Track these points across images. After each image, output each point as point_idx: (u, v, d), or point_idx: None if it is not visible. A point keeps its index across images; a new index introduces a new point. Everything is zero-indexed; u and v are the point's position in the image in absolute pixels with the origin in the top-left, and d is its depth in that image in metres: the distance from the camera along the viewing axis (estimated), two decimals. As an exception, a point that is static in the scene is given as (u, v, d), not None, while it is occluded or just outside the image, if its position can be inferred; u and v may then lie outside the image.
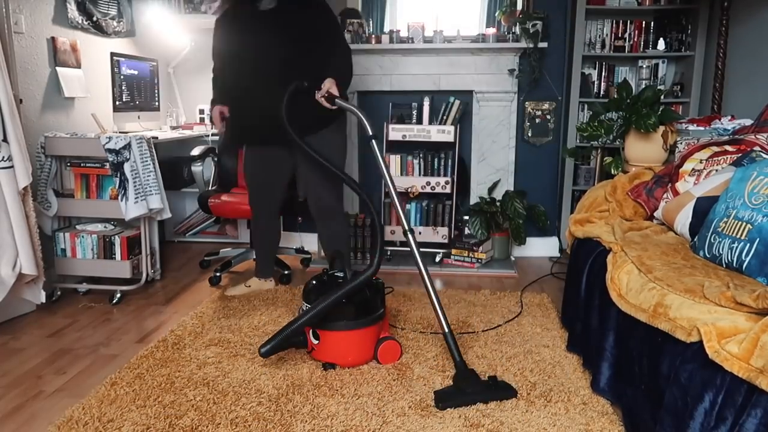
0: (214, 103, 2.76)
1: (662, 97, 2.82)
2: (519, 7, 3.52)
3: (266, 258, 3.00)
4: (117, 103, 3.38)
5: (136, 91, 3.55)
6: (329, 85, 2.38)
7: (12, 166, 2.37)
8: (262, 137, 2.62)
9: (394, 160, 3.52)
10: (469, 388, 1.91)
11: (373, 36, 3.55)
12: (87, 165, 2.85)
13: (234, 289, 2.93)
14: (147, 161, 2.84)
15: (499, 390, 1.92)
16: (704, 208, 1.97)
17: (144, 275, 2.95)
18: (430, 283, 2.15)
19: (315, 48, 2.47)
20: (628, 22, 3.57)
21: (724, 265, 1.72)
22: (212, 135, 3.70)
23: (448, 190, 3.49)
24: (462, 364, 1.99)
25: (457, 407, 1.83)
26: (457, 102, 3.50)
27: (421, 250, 3.54)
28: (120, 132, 3.24)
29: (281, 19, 2.43)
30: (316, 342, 2.11)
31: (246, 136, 2.70)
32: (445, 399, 1.87)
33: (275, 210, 2.86)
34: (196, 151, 3.32)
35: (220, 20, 2.64)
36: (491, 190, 3.63)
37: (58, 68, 3.02)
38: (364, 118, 2.26)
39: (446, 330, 2.05)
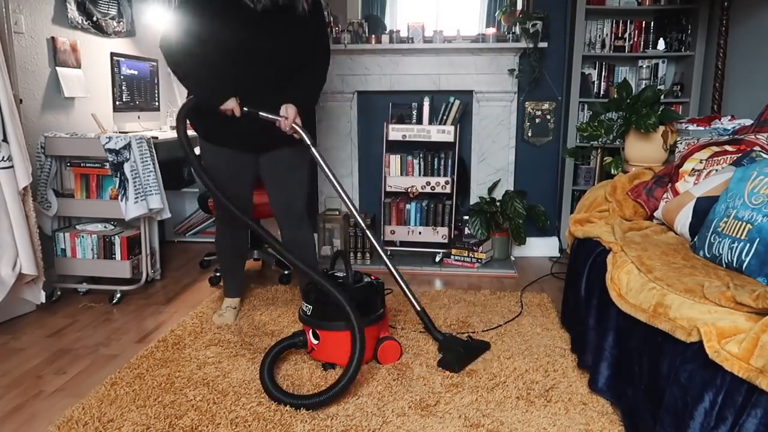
0: (223, 97, 2.20)
1: (662, 97, 2.82)
2: (519, 7, 3.52)
3: (237, 274, 2.71)
4: (117, 103, 3.38)
5: (136, 91, 3.55)
6: (294, 117, 2.27)
7: (12, 166, 2.37)
8: (255, 144, 2.37)
9: (394, 160, 3.52)
10: (461, 348, 2.21)
11: (373, 36, 3.55)
12: (87, 165, 2.85)
13: (223, 318, 2.58)
14: (147, 161, 2.84)
15: (479, 345, 2.29)
16: (704, 208, 1.97)
17: (144, 275, 2.95)
18: (389, 260, 2.45)
19: (309, 54, 2.33)
20: (628, 22, 3.57)
21: (724, 265, 1.72)
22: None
23: (448, 190, 3.49)
24: (440, 334, 2.30)
25: (469, 364, 2.15)
26: (457, 102, 3.50)
27: (421, 250, 3.61)
28: (120, 132, 3.24)
29: (289, 19, 2.22)
30: (315, 342, 2.11)
31: (233, 139, 2.35)
32: (454, 364, 2.12)
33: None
34: (196, 151, 3.31)
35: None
36: (491, 190, 3.63)
37: (58, 68, 3.02)
38: (306, 137, 2.31)
39: (419, 309, 2.36)
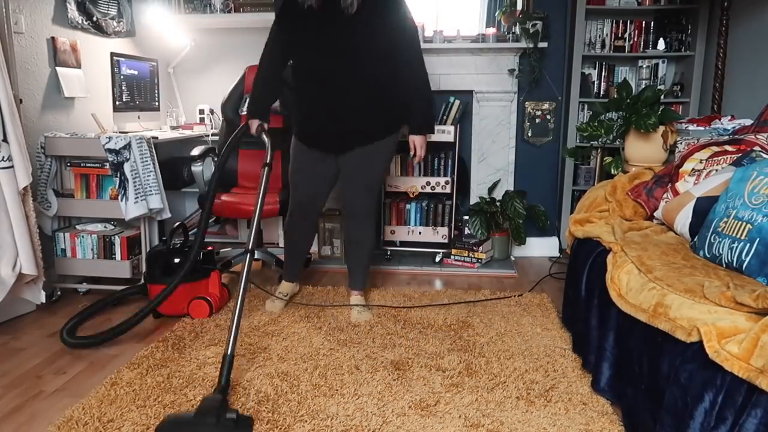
0: (252, 115, 2.56)
1: (662, 97, 2.82)
2: (519, 7, 3.52)
3: (298, 260, 2.86)
4: (117, 103, 3.38)
5: (136, 91, 3.55)
6: (420, 151, 2.52)
7: (12, 166, 2.37)
8: (335, 145, 2.50)
9: (394, 160, 3.52)
10: (202, 421, 1.66)
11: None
12: (87, 165, 2.85)
13: (273, 305, 2.72)
14: (147, 161, 2.84)
15: (233, 429, 1.67)
16: (704, 208, 1.97)
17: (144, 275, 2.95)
18: (241, 299, 2.11)
19: (394, 58, 2.38)
20: (628, 22, 3.57)
21: (724, 265, 1.72)
22: (212, 135, 3.70)
23: (448, 190, 3.49)
24: (222, 392, 1.81)
25: None
26: (457, 102, 3.50)
27: (421, 250, 3.61)
28: (120, 132, 3.24)
29: (365, 23, 2.28)
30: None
31: (313, 138, 2.52)
32: (165, 426, 1.68)
33: (317, 213, 2.74)
34: (196, 151, 3.32)
35: (291, 8, 2.38)
36: (491, 190, 3.63)
37: (58, 68, 3.02)
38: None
39: (228, 352, 1.91)
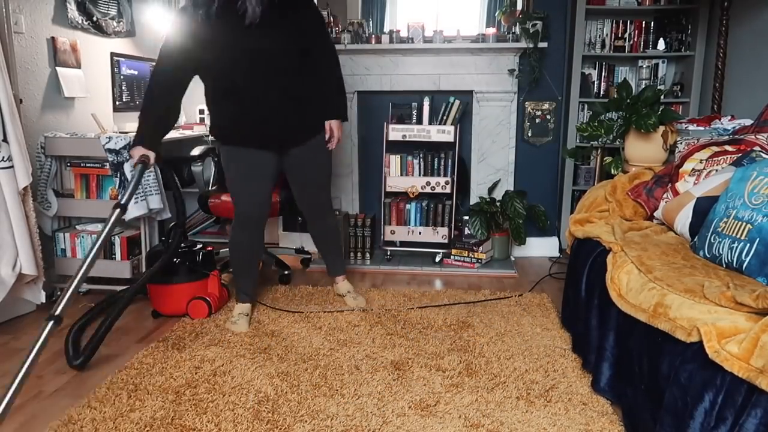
0: (141, 142, 2.32)
1: (662, 97, 2.82)
2: (519, 7, 3.52)
3: (252, 276, 2.66)
4: (117, 103, 3.38)
5: (136, 91, 3.55)
6: (338, 133, 2.62)
7: (12, 166, 2.37)
8: (262, 140, 2.45)
9: (394, 160, 3.52)
10: None
11: (373, 36, 3.55)
12: (87, 165, 2.85)
13: (236, 326, 2.50)
14: (147, 161, 2.84)
15: None
16: (704, 208, 1.97)
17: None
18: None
19: (306, 49, 2.42)
20: (628, 22, 3.57)
21: (724, 265, 1.72)
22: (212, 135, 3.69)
23: (448, 190, 3.49)
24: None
25: None
26: (457, 102, 3.50)
27: (421, 250, 3.61)
28: (120, 132, 3.24)
29: (273, 21, 2.31)
30: None
31: (242, 138, 2.44)
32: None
33: (264, 219, 2.59)
34: (196, 151, 3.32)
35: (194, 17, 2.37)
36: (491, 190, 3.63)
37: (58, 68, 3.02)
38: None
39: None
